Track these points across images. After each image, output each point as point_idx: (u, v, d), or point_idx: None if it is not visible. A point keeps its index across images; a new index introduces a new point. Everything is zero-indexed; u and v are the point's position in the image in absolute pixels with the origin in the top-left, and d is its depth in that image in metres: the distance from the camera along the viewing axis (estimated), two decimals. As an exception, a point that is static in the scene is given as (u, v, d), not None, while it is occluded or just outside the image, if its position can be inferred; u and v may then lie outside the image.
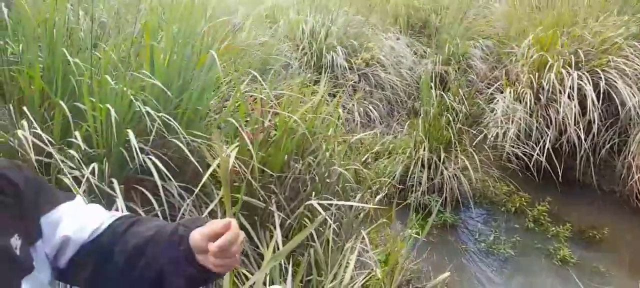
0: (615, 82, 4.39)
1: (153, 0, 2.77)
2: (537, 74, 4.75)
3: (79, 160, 1.83)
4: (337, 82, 4.89)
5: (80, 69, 2.04)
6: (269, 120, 2.52)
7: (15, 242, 0.79)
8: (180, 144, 2.03)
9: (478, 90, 5.11)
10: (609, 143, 4.48)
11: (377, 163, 4.22)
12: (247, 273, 1.97)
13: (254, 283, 1.66)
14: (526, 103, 4.62)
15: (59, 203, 0.90)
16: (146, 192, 1.94)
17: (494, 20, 6.56)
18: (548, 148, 4.38)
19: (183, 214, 1.95)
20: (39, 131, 1.80)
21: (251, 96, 2.72)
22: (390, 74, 5.51)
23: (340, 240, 2.47)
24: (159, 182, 1.87)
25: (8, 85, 2.07)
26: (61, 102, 1.91)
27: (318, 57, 5.12)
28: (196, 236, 0.85)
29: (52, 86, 2.03)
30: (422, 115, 4.39)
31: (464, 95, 4.40)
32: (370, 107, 5.07)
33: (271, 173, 2.34)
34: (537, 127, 4.55)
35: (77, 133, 1.87)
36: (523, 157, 4.46)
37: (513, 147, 4.49)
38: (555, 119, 4.50)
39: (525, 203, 4.21)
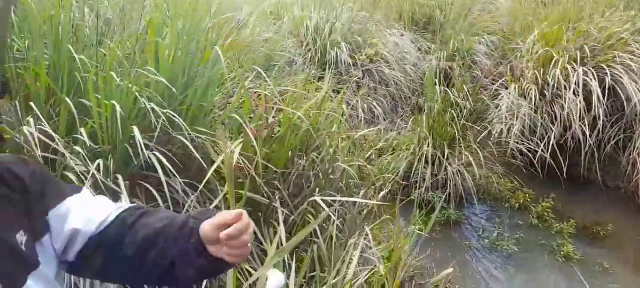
0: (621, 77, 4.36)
1: (158, -3, 2.78)
2: (542, 70, 4.73)
3: (84, 157, 1.85)
4: (342, 79, 4.89)
5: (85, 65, 2.05)
6: (273, 117, 2.53)
7: (21, 238, 0.80)
8: (185, 141, 2.05)
9: (483, 87, 5.09)
10: (614, 139, 4.47)
11: (381, 160, 4.22)
12: (250, 269, 1.98)
13: (257, 279, 1.67)
14: (531, 99, 4.60)
15: (66, 196, 0.91)
16: (151, 188, 1.95)
17: (499, 16, 6.53)
18: (553, 145, 4.37)
19: (187, 210, 1.96)
20: (45, 128, 1.82)
21: (255, 92, 2.73)
22: (395, 70, 5.50)
23: (344, 236, 2.47)
24: (163, 179, 1.88)
25: (14, 82, 2.08)
26: (67, 99, 1.92)
27: (322, 54, 5.12)
28: (206, 227, 0.86)
29: (58, 83, 2.04)
30: (426, 111, 4.38)
31: (468, 91, 4.39)
32: (375, 104, 5.07)
33: (275, 169, 2.35)
34: (542, 124, 4.54)
35: (82, 129, 1.88)
36: (527, 153, 4.45)
37: (517, 143, 4.48)
38: (560, 115, 4.48)
39: (529, 200, 4.20)
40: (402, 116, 5.30)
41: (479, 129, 4.40)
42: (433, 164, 4.10)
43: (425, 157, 4.10)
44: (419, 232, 2.68)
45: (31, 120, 1.80)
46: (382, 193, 2.98)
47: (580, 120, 4.36)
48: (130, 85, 2.02)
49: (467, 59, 5.96)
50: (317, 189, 2.47)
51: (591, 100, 4.34)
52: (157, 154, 1.95)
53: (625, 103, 4.35)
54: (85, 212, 0.91)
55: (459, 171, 4.11)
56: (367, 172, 3.10)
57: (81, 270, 0.95)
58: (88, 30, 2.38)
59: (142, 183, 1.98)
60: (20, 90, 2.07)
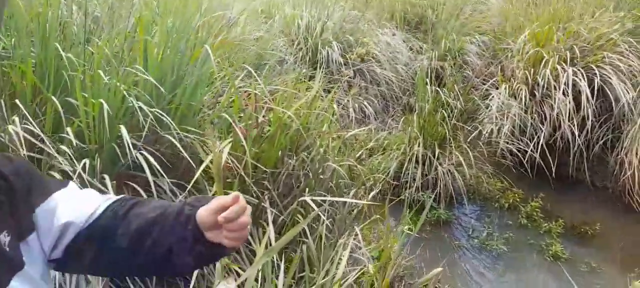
0: (609, 78, 4.40)
1: (147, -6, 2.76)
2: (532, 69, 4.76)
3: (70, 156, 1.83)
4: (332, 78, 4.88)
5: (73, 63, 2.03)
6: (263, 116, 2.52)
7: (4, 238, 0.78)
8: (173, 140, 2.03)
9: (473, 86, 5.12)
10: (602, 139, 4.51)
11: (371, 160, 4.23)
12: (239, 270, 1.97)
13: (245, 279, 1.67)
14: (521, 99, 4.63)
15: (52, 192, 0.89)
16: (138, 188, 1.94)
17: (490, 16, 6.56)
18: (542, 145, 4.40)
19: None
20: (30, 126, 1.80)
21: (245, 91, 2.72)
22: (386, 69, 5.51)
23: (333, 236, 2.47)
24: (150, 178, 1.87)
25: (0, 80, 2.06)
26: (53, 97, 1.90)
27: (313, 53, 5.11)
28: (203, 213, 0.85)
29: (44, 81, 2.02)
30: (417, 111, 4.39)
31: (459, 91, 4.40)
32: (365, 103, 5.07)
33: (265, 169, 2.34)
34: (531, 123, 4.57)
35: (69, 128, 1.86)
36: (517, 153, 4.48)
37: (507, 143, 4.51)
38: (550, 115, 4.51)
39: (518, 200, 4.23)
40: (393, 116, 5.31)
41: (469, 128, 4.41)
42: (423, 164, 4.11)
43: (416, 157, 4.11)
44: (408, 231, 2.68)
45: (16, 118, 1.78)
46: (372, 193, 2.98)
47: (569, 120, 4.39)
48: (118, 84, 2.00)
49: (458, 58, 5.98)
50: (307, 189, 2.47)
51: (580, 100, 4.38)
52: (145, 153, 1.93)
53: (613, 103, 4.39)
54: (73, 205, 0.89)
55: (449, 171, 4.13)
56: (358, 171, 3.10)
57: (70, 265, 0.92)
58: (76, 28, 2.36)
59: (129, 183, 1.96)
60: (6, 88, 2.05)
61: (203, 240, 0.86)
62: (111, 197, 0.95)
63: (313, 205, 2.28)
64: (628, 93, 4.31)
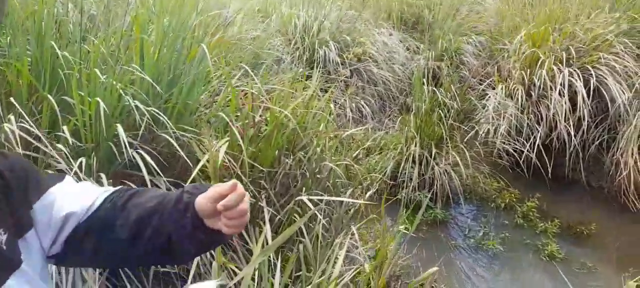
0: (605, 78, 4.42)
1: (143, -7, 2.75)
2: (528, 70, 4.78)
3: (66, 154, 1.82)
4: (329, 77, 4.88)
5: (69, 62, 2.03)
6: (260, 115, 2.52)
7: (1, 236, 0.77)
8: (170, 139, 2.03)
9: (470, 87, 5.13)
10: (598, 140, 4.52)
11: (368, 159, 4.23)
12: (235, 269, 1.97)
13: (242, 278, 1.66)
14: (517, 99, 4.64)
15: (48, 187, 0.88)
16: (134, 187, 1.93)
17: (486, 16, 6.57)
18: (538, 145, 4.41)
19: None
20: (26, 125, 1.79)
21: (242, 91, 2.72)
22: (383, 69, 5.52)
23: (330, 235, 2.48)
24: (147, 177, 1.86)
25: (-5, 78, 2.05)
26: (49, 96, 1.90)
27: (310, 52, 5.11)
28: (201, 201, 0.85)
29: (40, 79, 2.01)
30: (413, 111, 4.40)
31: (456, 91, 4.41)
32: (362, 103, 5.08)
33: (261, 168, 2.34)
34: (527, 124, 4.58)
35: (65, 127, 1.86)
36: (513, 153, 4.49)
37: (504, 143, 4.52)
38: (546, 115, 4.53)
39: (514, 200, 4.24)
40: (389, 115, 5.31)
41: (466, 128, 4.42)
42: (420, 164, 4.12)
43: (413, 157, 4.12)
44: (404, 231, 2.69)
45: (12, 117, 1.77)
46: (369, 193, 2.98)
47: (565, 121, 4.40)
48: (114, 83, 2.00)
49: (455, 58, 6.00)
50: (304, 188, 2.47)
51: (576, 100, 4.39)
52: (141, 152, 1.93)
53: (609, 104, 4.41)
54: (72, 198, 0.89)
55: (446, 171, 4.13)
56: (354, 171, 3.10)
57: (70, 259, 0.92)
58: (71, 26, 2.35)
59: (126, 182, 1.96)
60: (2, 86, 2.04)
61: (202, 227, 0.87)
62: (109, 189, 0.95)
63: (310, 204, 2.28)
64: (624, 94, 4.33)
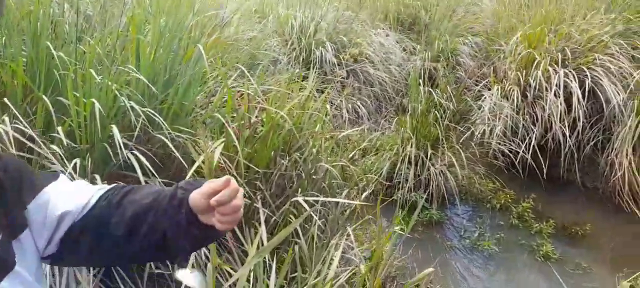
0: (600, 80, 4.44)
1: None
2: (524, 71, 4.79)
3: (61, 156, 1.82)
4: (326, 78, 4.89)
5: (64, 62, 2.02)
6: (256, 116, 2.52)
7: None
8: (165, 140, 2.03)
9: (466, 87, 5.14)
10: (593, 140, 4.54)
11: (364, 160, 4.24)
12: (230, 270, 1.97)
13: (237, 279, 1.67)
14: (513, 100, 4.66)
15: (43, 186, 0.88)
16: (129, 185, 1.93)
17: (482, 17, 6.59)
18: (533, 146, 4.43)
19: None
20: (20, 126, 1.79)
21: (238, 91, 2.72)
22: (379, 70, 5.52)
23: (326, 236, 2.48)
24: (142, 178, 1.86)
25: (-10, 78, 2.04)
26: (44, 97, 1.89)
27: (307, 53, 5.11)
28: (196, 196, 0.85)
29: (35, 80, 2.01)
30: (410, 111, 4.40)
31: (452, 92, 4.42)
32: (359, 104, 5.08)
33: (257, 169, 2.34)
34: (523, 125, 4.60)
35: (59, 128, 1.85)
36: (509, 154, 4.50)
37: (499, 144, 4.53)
38: (541, 116, 4.54)
39: (510, 200, 4.25)
40: (386, 116, 5.32)
41: (461, 129, 4.44)
42: (416, 164, 4.12)
43: (409, 158, 4.12)
44: (400, 231, 2.69)
45: (6, 118, 1.77)
46: (364, 194, 2.99)
47: (560, 122, 4.42)
48: (109, 83, 1.99)
49: (451, 59, 6.01)
50: (300, 189, 2.47)
51: (571, 101, 4.41)
52: (136, 153, 1.93)
53: (604, 105, 4.43)
54: (67, 197, 0.89)
55: (442, 171, 4.14)
56: (350, 172, 3.11)
57: (66, 258, 0.91)
58: (67, 27, 2.35)
59: (120, 184, 1.95)
60: (-4, 87, 2.03)
61: (197, 223, 0.87)
62: (104, 187, 0.94)
63: (305, 205, 2.29)
64: (619, 94, 4.34)
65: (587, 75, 4.45)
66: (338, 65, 5.13)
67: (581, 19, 4.91)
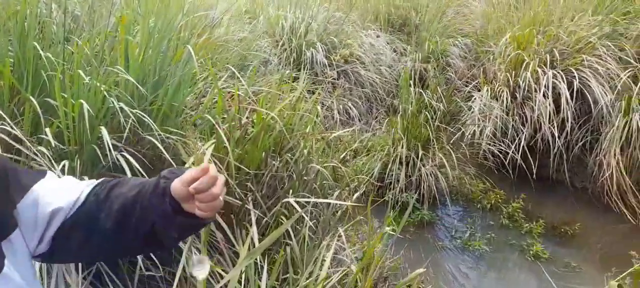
0: (588, 81, 4.49)
1: (128, -7, 2.72)
2: (513, 72, 4.83)
3: (49, 157, 1.80)
4: (317, 79, 4.88)
5: (52, 63, 2.00)
6: (247, 117, 2.51)
7: None
8: (155, 141, 2.01)
9: (456, 88, 5.17)
10: (581, 141, 4.59)
11: (355, 161, 4.24)
12: (222, 271, 1.96)
13: (228, 281, 1.65)
14: (503, 101, 4.69)
15: (31, 185, 0.87)
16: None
17: (472, 19, 6.63)
18: (523, 146, 4.46)
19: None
20: (8, 127, 1.76)
21: (229, 92, 2.71)
22: (370, 71, 5.53)
23: (317, 237, 2.47)
24: (132, 180, 1.84)
25: (-24, 79, 2.01)
26: (31, 98, 1.87)
27: (298, 54, 5.11)
28: (176, 185, 0.86)
29: (22, 81, 1.98)
30: (400, 112, 4.42)
31: (442, 93, 4.45)
32: (350, 105, 5.09)
33: (248, 170, 2.33)
34: (513, 125, 4.63)
35: (47, 129, 1.83)
36: (499, 154, 4.53)
37: (489, 144, 4.56)
38: (531, 117, 4.58)
39: (500, 200, 4.28)
40: (377, 117, 5.33)
41: (452, 130, 4.46)
42: (407, 165, 4.14)
43: (400, 158, 4.14)
44: (392, 232, 2.69)
45: (-7, 119, 1.74)
46: (356, 194, 2.99)
47: (549, 122, 4.46)
48: (98, 84, 1.97)
49: (442, 60, 6.04)
50: (291, 190, 2.46)
51: (560, 102, 4.45)
52: (126, 155, 1.91)
53: (592, 105, 4.47)
54: (56, 194, 0.88)
55: (433, 172, 4.16)
56: (342, 173, 3.11)
57: (58, 255, 0.91)
58: (55, 27, 2.32)
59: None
60: (-18, 88, 2.00)
61: (182, 211, 0.88)
62: (92, 182, 0.95)
63: (297, 206, 2.28)
64: (606, 95, 4.39)
65: (575, 77, 4.50)
66: (329, 66, 5.14)
67: (569, 20, 4.96)
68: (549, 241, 3.86)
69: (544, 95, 4.50)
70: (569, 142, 4.57)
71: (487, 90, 4.85)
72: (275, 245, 2.30)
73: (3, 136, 1.72)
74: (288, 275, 2.11)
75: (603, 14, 4.93)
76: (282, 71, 4.20)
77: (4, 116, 1.79)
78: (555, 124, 4.45)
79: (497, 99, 4.77)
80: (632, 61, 4.47)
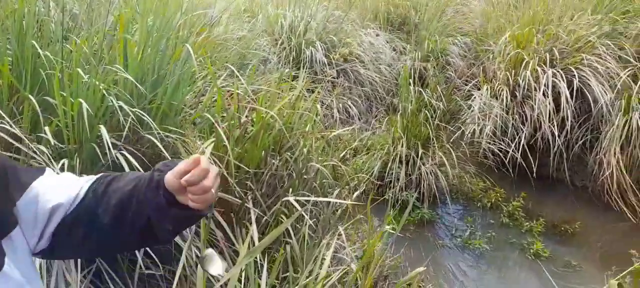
0: (588, 79, 4.48)
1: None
2: (513, 71, 4.83)
3: (48, 156, 1.79)
4: (316, 78, 4.88)
5: (50, 61, 1.99)
6: (246, 116, 2.50)
7: None
8: (154, 140, 2.00)
9: (456, 87, 5.17)
10: (581, 139, 4.58)
11: (355, 160, 4.23)
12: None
13: (228, 279, 1.65)
14: (502, 100, 4.69)
15: (30, 182, 0.87)
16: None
17: (472, 18, 6.63)
18: (523, 145, 4.46)
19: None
20: (7, 126, 1.75)
21: (228, 91, 2.70)
22: (370, 70, 5.53)
23: (317, 236, 2.47)
24: (131, 178, 1.83)
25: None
26: (30, 96, 1.86)
27: (297, 53, 5.10)
28: (169, 177, 0.86)
29: (21, 80, 1.97)
30: (400, 111, 4.41)
31: (442, 92, 4.44)
32: (349, 103, 5.08)
33: (247, 169, 2.32)
34: (512, 124, 4.63)
35: (46, 128, 1.82)
36: (499, 153, 4.53)
37: (489, 143, 4.56)
38: (531, 115, 4.58)
39: (500, 199, 4.27)
40: (376, 116, 5.33)
41: (452, 129, 4.45)
42: (407, 164, 4.13)
43: (399, 157, 4.13)
44: (391, 231, 2.69)
45: (-9, 118, 1.73)
46: (356, 193, 2.98)
47: (549, 121, 4.46)
48: (97, 83, 1.96)
49: (441, 59, 6.03)
50: (291, 189, 2.46)
51: (560, 101, 4.44)
52: (125, 153, 1.90)
53: (592, 104, 4.47)
54: (56, 190, 0.89)
55: (432, 171, 4.15)
56: (341, 171, 3.10)
57: (58, 251, 0.92)
58: (53, 25, 2.31)
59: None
60: (-19, 86, 1.99)
61: (176, 203, 0.88)
62: (91, 178, 0.95)
63: (297, 205, 2.27)
64: (606, 94, 4.39)
65: (575, 75, 4.50)
66: (328, 64, 5.13)
67: (568, 19, 4.96)
68: (549, 240, 3.86)
69: (543, 94, 4.50)
70: (569, 141, 4.57)
71: (487, 89, 4.85)
72: (275, 244, 2.29)
73: (2, 135, 1.71)
74: (288, 274, 2.10)
75: (602, 13, 4.93)
76: (282, 70, 4.19)
77: (3, 115, 1.79)
78: (555, 123, 4.44)
79: (497, 98, 4.76)
80: (631, 60, 4.47)
